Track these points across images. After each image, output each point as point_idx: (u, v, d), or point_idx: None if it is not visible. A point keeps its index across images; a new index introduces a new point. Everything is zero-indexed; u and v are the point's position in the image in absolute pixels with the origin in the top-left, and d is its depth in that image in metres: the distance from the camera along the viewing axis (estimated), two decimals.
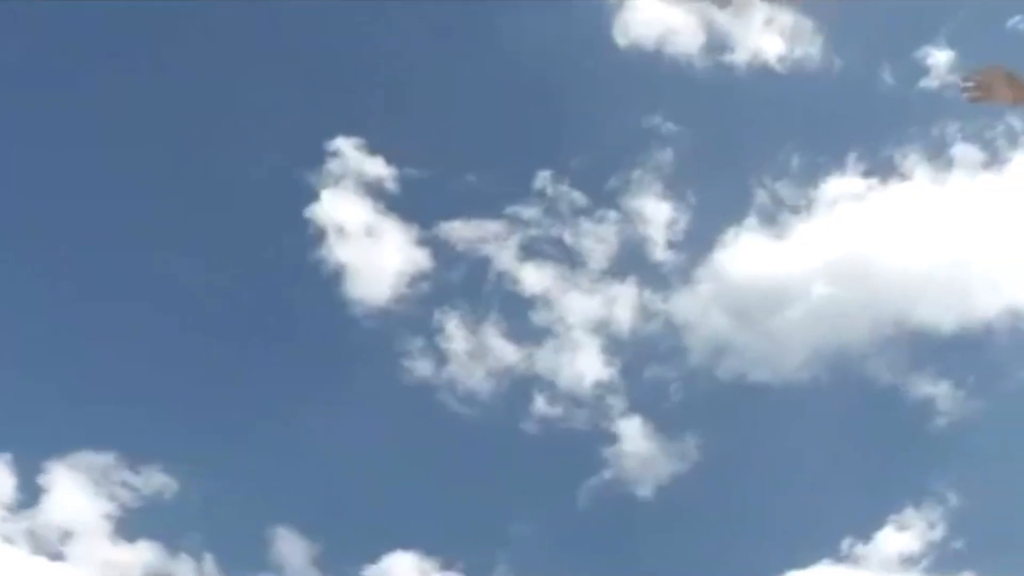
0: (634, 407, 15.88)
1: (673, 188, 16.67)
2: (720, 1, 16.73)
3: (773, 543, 14.64)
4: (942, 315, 15.43)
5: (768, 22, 16.58)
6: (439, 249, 16.58)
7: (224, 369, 16.84)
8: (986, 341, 15.32)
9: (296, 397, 16.47)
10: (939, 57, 15.66)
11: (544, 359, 16.26)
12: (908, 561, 14.50)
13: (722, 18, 16.74)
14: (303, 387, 16.55)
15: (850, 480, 14.81)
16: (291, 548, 15.28)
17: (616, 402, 16.01)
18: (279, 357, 16.95)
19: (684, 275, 16.52)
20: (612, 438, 15.84)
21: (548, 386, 16.04)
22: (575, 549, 15.46)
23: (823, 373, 15.59)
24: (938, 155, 16.20)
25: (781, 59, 16.52)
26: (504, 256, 16.52)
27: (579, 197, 16.69)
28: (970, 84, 4.61)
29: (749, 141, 16.96)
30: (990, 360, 15.43)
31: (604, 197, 16.88)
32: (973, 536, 14.50)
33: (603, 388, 16.03)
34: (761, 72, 16.60)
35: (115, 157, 17.18)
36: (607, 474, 15.68)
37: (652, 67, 16.83)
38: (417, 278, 16.51)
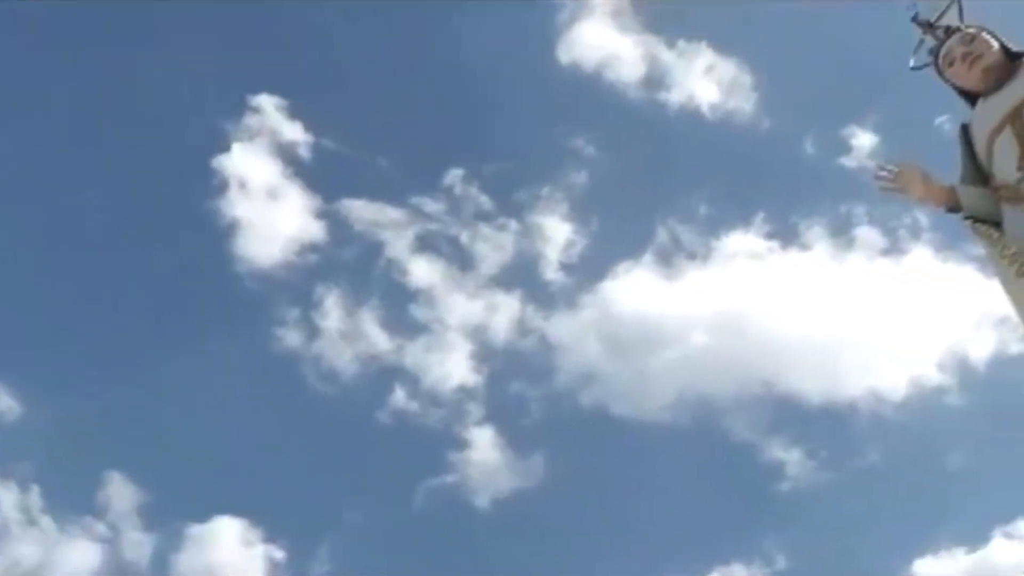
0: (491, 417, 15.86)
1: (579, 211, 16.70)
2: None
3: (595, 573, 14.64)
4: (811, 386, 15.61)
5: (709, 69, 16.67)
6: (336, 224, 16.43)
7: (98, 303, 16.50)
8: (847, 418, 15.53)
9: (162, 343, 16.18)
10: (863, 139, 15.87)
11: (414, 353, 16.17)
12: None
13: (666, 56, 16.79)
14: (172, 334, 16.29)
15: (687, 525, 14.89)
16: (121, 494, 14.99)
17: (474, 409, 15.97)
18: (154, 300, 16.65)
19: (569, 298, 16.55)
20: (462, 444, 15.80)
21: (411, 381, 15.95)
22: (401, 546, 15.38)
23: (684, 419, 15.70)
24: (842, 232, 16.41)
25: (713, 107, 16.64)
26: (398, 245, 16.43)
27: (485, 201, 16.65)
28: (885, 173, 4.63)
29: (663, 180, 17.06)
30: (847, 437, 15.65)
31: (509, 206, 16.87)
32: None
33: (465, 393, 15.98)
34: (691, 116, 16.71)
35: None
36: (449, 478, 15.64)
37: (587, 89, 16.85)
38: (308, 248, 16.33)
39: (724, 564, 14.49)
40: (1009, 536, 12.71)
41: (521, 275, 16.60)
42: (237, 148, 16.52)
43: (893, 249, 16.15)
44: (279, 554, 15.04)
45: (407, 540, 15.41)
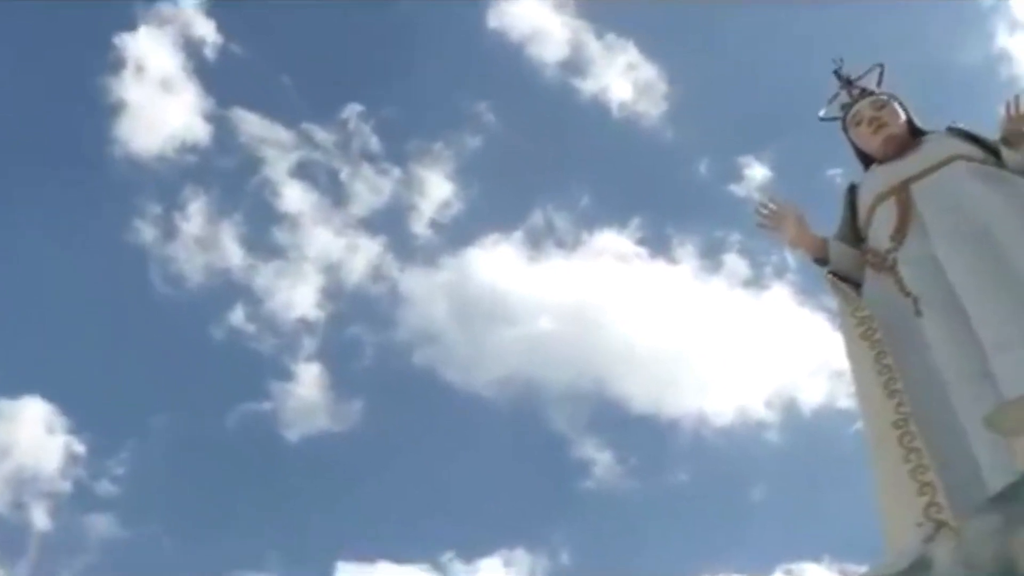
0: (322, 355, 15.75)
1: (464, 174, 16.65)
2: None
3: (376, 530, 14.68)
4: (640, 394, 15.97)
5: (629, 68, 16.73)
6: (222, 131, 16.02)
7: None
8: (667, 433, 15.87)
9: (13, 206, 15.51)
10: (756, 171, 16.08)
11: (264, 276, 15.94)
12: None
13: (593, 45, 16.80)
14: (26, 199, 15.57)
15: (484, 501, 15.02)
16: None
17: (308, 344, 15.85)
18: (13, 159, 15.87)
19: (431, 256, 16.52)
20: (288, 375, 15.68)
21: (254, 302, 15.72)
22: (201, 463, 15.13)
23: (509, 399, 15.86)
24: (711, 255, 16.74)
25: (623, 106, 16.71)
26: (278, 166, 16.12)
27: (375, 143, 16.45)
28: (765, 210, 4.71)
29: (554, 164, 17.05)
30: (662, 450, 16.00)
31: (397, 153, 16.75)
32: None
33: (303, 326, 15.83)
34: (600, 108, 16.78)
35: None
36: (267, 405, 15.48)
37: (506, 58, 16.77)
38: (188, 148, 15.89)
39: (509, 547, 14.74)
40: (789, 573, 13.29)
41: (390, 223, 16.51)
42: (144, 31, 16.06)
43: (755, 283, 16.57)
44: (79, 448, 14.72)
45: (208, 458, 15.22)
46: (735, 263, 16.40)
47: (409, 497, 15.15)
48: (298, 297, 15.99)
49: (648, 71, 16.60)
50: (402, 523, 14.82)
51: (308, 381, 15.58)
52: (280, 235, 16.20)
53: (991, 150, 4.42)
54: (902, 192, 4.45)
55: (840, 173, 5.13)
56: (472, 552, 14.66)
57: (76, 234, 15.46)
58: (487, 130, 16.80)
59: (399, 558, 14.32)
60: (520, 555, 14.83)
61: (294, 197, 16.22)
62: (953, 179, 4.35)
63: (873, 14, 13.52)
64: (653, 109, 16.56)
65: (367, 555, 14.34)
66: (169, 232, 15.72)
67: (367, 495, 15.17)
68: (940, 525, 3.36)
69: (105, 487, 14.89)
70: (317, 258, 16.18)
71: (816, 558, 13.53)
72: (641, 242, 16.58)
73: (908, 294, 4.22)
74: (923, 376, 3.99)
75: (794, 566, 13.42)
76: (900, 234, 4.37)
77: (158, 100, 16.05)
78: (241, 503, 15.01)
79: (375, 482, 15.31)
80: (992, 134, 4.43)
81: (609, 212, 16.82)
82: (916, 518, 3.55)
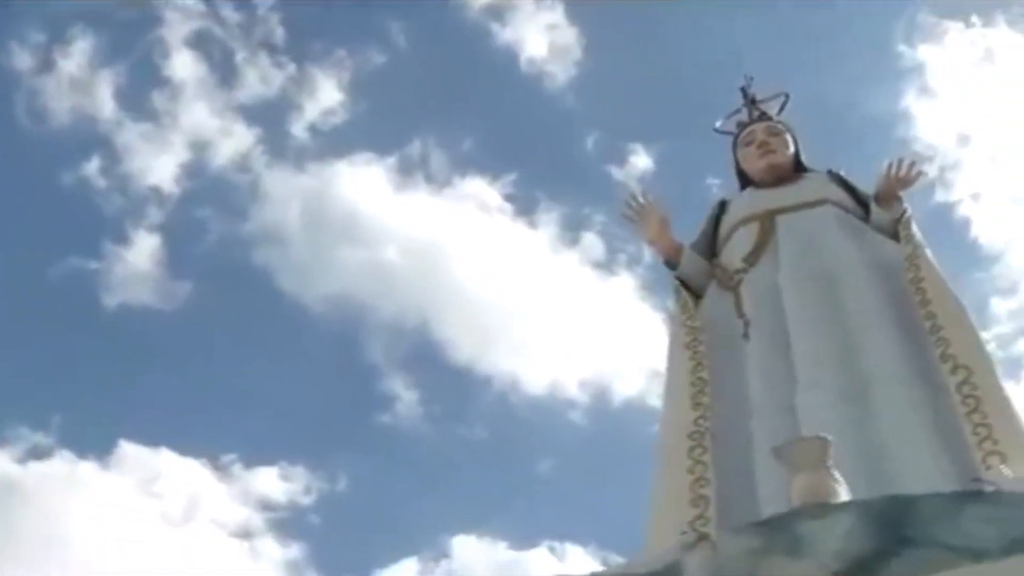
0: (164, 229, 15.11)
1: (357, 88, 16.17)
2: None
3: (167, 417, 14.25)
4: (460, 344, 15.71)
5: (551, 27, 16.56)
6: None
7: None
8: (477, 388, 15.64)
9: None
10: (641, 160, 15.93)
11: (131, 136, 15.10)
12: (262, 504, 14.55)
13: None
14: None
15: (275, 410, 14.66)
16: None
17: (155, 215, 15.16)
18: None
19: (300, 160, 16.07)
20: (124, 240, 15.01)
21: (114, 161, 14.88)
22: (11, 305, 14.23)
23: (334, 318, 15.54)
24: (571, 229, 16.62)
25: (532, 61, 16.49)
26: (175, 32, 15.28)
27: (280, 35, 15.79)
28: (634, 202, 4.69)
29: (448, 99, 16.65)
30: (465, 404, 15.82)
31: (297, 50, 16.06)
32: (324, 521, 14.81)
33: (156, 196, 15.14)
34: (509, 58, 16.39)
35: None
36: (94, 265, 14.85)
37: None
38: None
39: (290, 461, 14.47)
40: (552, 550, 13.35)
41: (270, 118, 15.91)
42: None
43: (605, 266, 16.47)
44: None
45: (20, 304, 14.35)
46: (592, 242, 16.38)
47: (209, 391, 14.71)
48: (158, 165, 15.28)
49: (567, 35, 16.44)
50: (195, 416, 14.32)
51: (143, 251, 14.93)
52: (158, 99, 15.46)
53: (862, 202, 4.51)
54: (767, 220, 4.51)
55: (718, 184, 5.16)
56: (253, 458, 14.35)
57: None
58: (393, 51, 16.39)
59: (183, 450, 13.88)
60: (299, 472, 14.56)
61: (183, 65, 15.49)
62: (818, 221, 4.44)
63: (799, 43, 13.78)
64: (561, 72, 16.39)
65: (151, 440, 13.85)
66: (46, 65, 14.83)
67: (167, 380, 14.57)
68: (702, 537, 3.39)
69: None
70: (188, 132, 15.49)
71: (583, 542, 13.69)
72: (509, 198, 16.42)
73: (742, 316, 4.28)
74: (733, 396, 4.05)
75: (558, 545, 13.61)
76: (753, 258, 4.43)
77: None
78: (40, 357, 14.30)
79: (179, 369, 14.75)
80: (869, 187, 4.52)
81: (486, 161, 16.60)
82: (682, 526, 3.58)
